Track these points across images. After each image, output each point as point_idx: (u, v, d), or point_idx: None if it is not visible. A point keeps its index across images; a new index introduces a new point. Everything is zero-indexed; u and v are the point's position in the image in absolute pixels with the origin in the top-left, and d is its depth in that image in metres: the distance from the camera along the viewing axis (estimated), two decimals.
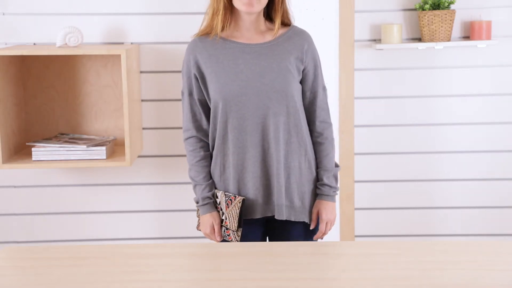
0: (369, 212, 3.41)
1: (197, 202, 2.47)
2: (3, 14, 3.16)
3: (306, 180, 2.45)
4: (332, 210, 2.45)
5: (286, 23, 2.45)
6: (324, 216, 2.44)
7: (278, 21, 2.38)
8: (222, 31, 2.39)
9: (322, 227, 2.46)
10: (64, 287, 1.84)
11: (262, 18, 2.41)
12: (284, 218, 2.39)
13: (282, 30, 2.43)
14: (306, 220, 2.44)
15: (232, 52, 2.38)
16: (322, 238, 2.51)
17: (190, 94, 2.44)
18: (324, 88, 2.49)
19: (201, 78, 2.41)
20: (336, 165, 2.50)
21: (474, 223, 3.42)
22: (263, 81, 2.35)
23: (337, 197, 3.40)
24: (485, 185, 3.40)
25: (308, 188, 2.46)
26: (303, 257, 2.02)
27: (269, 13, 2.44)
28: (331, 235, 3.39)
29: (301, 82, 2.43)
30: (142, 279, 1.88)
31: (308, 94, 2.45)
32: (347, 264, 1.98)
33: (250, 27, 2.40)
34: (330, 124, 2.49)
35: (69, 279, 1.88)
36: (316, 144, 2.48)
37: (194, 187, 2.47)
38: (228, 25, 2.39)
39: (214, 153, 2.44)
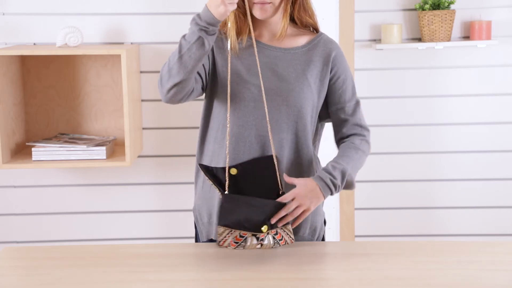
0: (369, 212, 3.41)
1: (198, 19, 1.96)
2: (3, 14, 3.16)
3: (314, 213, 2.18)
4: (313, 195, 2.01)
5: (313, 26, 2.21)
6: (297, 191, 2.00)
7: (286, 17, 2.12)
8: (241, 34, 2.14)
9: (288, 197, 2.00)
10: (64, 287, 1.84)
11: (286, 21, 2.14)
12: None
13: (309, 37, 2.19)
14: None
15: (251, 51, 2.13)
16: (288, 223, 2.02)
17: None
18: (358, 103, 2.20)
19: (215, 68, 2.15)
20: (351, 183, 2.12)
21: (474, 223, 3.42)
22: (276, 91, 2.10)
23: (335, 199, 3.40)
24: (485, 185, 3.40)
25: (320, 222, 2.22)
26: (303, 257, 2.02)
27: (298, 17, 2.19)
28: (331, 235, 3.39)
29: (327, 96, 2.18)
30: (142, 279, 1.88)
31: (334, 109, 2.19)
32: (347, 264, 1.98)
33: (272, 29, 2.16)
34: (366, 141, 2.21)
35: (69, 279, 1.88)
36: (340, 147, 2.18)
37: (180, 47, 1.99)
38: (246, 28, 2.12)
39: (203, 160, 2.17)
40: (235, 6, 1.95)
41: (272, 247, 2.00)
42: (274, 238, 1.99)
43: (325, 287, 1.85)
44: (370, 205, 3.41)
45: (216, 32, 1.99)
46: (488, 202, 3.41)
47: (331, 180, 2.05)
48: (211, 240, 2.22)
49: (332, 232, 3.41)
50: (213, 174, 2.03)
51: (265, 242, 1.99)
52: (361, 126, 2.21)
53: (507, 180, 3.40)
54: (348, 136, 2.21)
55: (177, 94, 2.03)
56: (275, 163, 2.05)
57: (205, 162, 2.18)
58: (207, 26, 1.95)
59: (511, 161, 3.38)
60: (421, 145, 3.37)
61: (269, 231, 1.99)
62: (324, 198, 2.05)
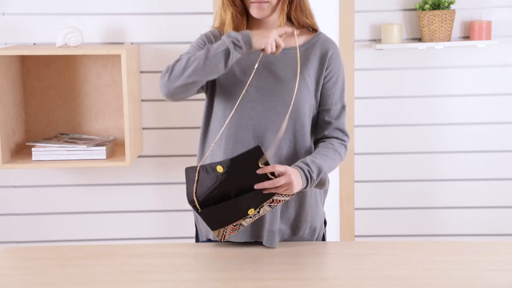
0: (369, 212, 3.41)
1: (235, 42, 2.01)
2: (3, 14, 3.16)
3: (314, 213, 2.19)
4: (298, 180, 1.96)
5: (311, 27, 2.20)
6: (291, 170, 1.95)
7: (282, 16, 2.12)
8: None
9: (281, 169, 1.93)
10: (64, 287, 1.84)
11: (283, 20, 2.14)
12: (275, 246, 2.11)
13: (307, 37, 2.19)
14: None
15: (248, 52, 2.09)
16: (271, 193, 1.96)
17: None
18: (343, 108, 2.19)
19: None
20: (324, 181, 2.08)
21: (474, 223, 3.42)
22: (273, 91, 2.10)
23: (335, 199, 3.40)
24: (485, 185, 3.40)
25: (320, 222, 2.21)
26: (303, 257, 2.02)
27: (294, 17, 2.17)
28: (331, 235, 3.39)
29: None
30: (142, 279, 1.88)
31: (320, 109, 2.18)
32: (347, 264, 1.98)
33: (270, 28, 2.15)
34: (345, 146, 2.18)
35: (69, 279, 1.88)
36: (319, 145, 2.16)
37: (208, 51, 2.03)
38: (243, 28, 2.14)
39: (202, 161, 2.13)
40: (273, 49, 2.03)
41: (270, 210, 2.01)
42: (270, 205, 1.98)
43: (325, 287, 1.85)
44: (370, 205, 3.41)
45: (240, 55, 2.03)
46: (488, 202, 3.41)
47: (308, 171, 2.01)
48: (210, 240, 2.22)
49: (332, 232, 3.41)
50: (194, 179, 1.98)
51: (261, 212, 1.98)
52: (342, 131, 2.19)
53: (507, 180, 3.40)
54: (328, 139, 2.18)
55: (182, 93, 2.07)
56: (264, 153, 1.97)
57: (205, 163, 2.17)
58: (239, 41, 2.01)
59: (511, 161, 3.38)
60: (421, 145, 3.37)
61: (263, 203, 1.97)
62: (299, 189, 1.98)
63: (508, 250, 2.06)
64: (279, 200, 1.98)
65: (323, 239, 2.26)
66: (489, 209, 3.41)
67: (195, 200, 1.97)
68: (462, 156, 3.38)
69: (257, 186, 1.93)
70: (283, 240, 2.16)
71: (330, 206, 3.38)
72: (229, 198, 1.95)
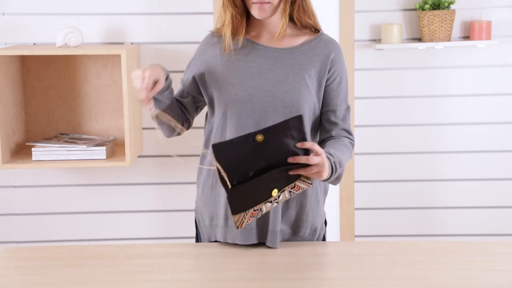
0: (369, 212, 3.41)
1: None
2: (3, 14, 3.17)
3: (314, 213, 2.18)
4: (327, 164, 1.94)
5: (314, 27, 2.18)
6: (320, 150, 1.92)
7: (285, 17, 2.10)
8: (238, 35, 2.13)
9: (318, 150, 1.91)
10: (64, 287, 1.84)
11: (285, 21, 2.11)
12: (277, 246, 2.11)
13: (309, 37, 2.16)
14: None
15: (247, 52, 2.12)
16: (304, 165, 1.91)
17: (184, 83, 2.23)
18: (348, 109, 2.17)
19: (209, 74, 2.14)
20: (339, 176, 2.08)
21: (474, 223, 3.42)
22: (273, 92, 2.08)
23: (335, 199, 3.40)
24: (485, 185, 3.40)
25: (320, 222, 2.20)
26: (303, 257, 2.02)
27: (297, 18, 2.16)
28: (331, 235, 3.39)
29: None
30: (142, 279, 1.88)
31: (325, 110, 2.16)
32: (347, 264, 1.98)
33: (271, 29, 2.15)
34: (353, 145, 2.18)
35: (69, 279, 1.88)
36: (332, 140, 2.14)
37: None
38: (242, 29, 2.13)
39: (204, 163, 2.16)
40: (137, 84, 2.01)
41: (289, 198, 1.97)
42: (290, 192, 1.95)
43: (325, 287, 1.85)
44: (370, 205, 3.41)
45: (164, 99, 2.10)
46: (488, 202, 3.41)
47: (334, 162, 1.99)
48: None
49: (332, 232, 3.41)
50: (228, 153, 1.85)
51: (280, 197, 1.94)
52: (348, 131, 2.18)
53: (507, 180, 3.40)
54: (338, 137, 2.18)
55: (170, 128, 2.18)
56: (304, 123, 1.91)
57: (206, 165, 2.17)
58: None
59: (511, 161, 3.38)
60: (421, 145, 3.37)
61: (285, 187, 1.94)
62: (326, 176, 1.95)
63: (508, 250, 2.06)
64: (299, 187, 1.94)
65: (323, 239, 2.26)
66: (489, 209, 3.42)
67: (226, 175, 1.85)
68: (462, 156, 3.38)
69: (291, 160, 1.89)
70: (284, 240, 2.16)
71: (330, 206, 3.38)
72: (259, 173, 1.88)
